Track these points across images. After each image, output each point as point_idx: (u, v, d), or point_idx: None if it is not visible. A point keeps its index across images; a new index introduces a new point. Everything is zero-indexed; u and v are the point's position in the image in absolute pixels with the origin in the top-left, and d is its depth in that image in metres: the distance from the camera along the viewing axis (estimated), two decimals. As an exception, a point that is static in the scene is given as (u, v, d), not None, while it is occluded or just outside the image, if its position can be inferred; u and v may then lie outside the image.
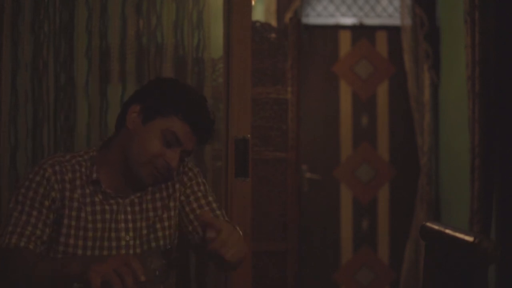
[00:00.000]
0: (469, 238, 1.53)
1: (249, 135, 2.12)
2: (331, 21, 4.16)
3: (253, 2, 2.33)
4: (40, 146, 2.26)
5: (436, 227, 1.77)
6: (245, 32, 2.14)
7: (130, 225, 1.71)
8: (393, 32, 4.16)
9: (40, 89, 2.27)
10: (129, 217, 1.71)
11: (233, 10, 2.14)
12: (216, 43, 2.41)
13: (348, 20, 4.18)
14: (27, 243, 1.56)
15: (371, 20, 4.20)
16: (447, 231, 1.68)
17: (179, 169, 1.79)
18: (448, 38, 3.94)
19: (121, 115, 1.74)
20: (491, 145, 2.73)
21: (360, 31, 4.17)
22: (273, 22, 3.87)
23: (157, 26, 2.37)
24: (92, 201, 1.68)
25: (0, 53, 2.23)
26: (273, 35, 3.56)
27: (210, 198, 1.80)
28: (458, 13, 3.43)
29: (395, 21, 4.16)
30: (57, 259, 1.65)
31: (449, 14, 3.92)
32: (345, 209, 4.11)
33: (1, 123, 2.23)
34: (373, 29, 4.18)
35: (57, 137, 2.29)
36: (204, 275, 2.35)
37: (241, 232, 1.52)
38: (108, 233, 1.68)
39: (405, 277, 3.99)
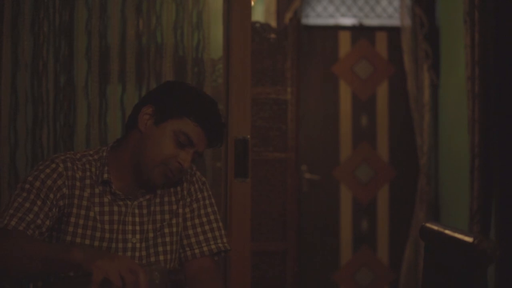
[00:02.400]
0: (469, 239, 1.53)
1: (248, 136, 2.13)
2: (330, 21, 4.16)
3: (252, 3, 2.33)
4: (40, 146, 2.27)
5: (435, 227, 1.77)
6: (244, 33, 2.15)
7: (137, 227, 1.70)
8: (392, 32, 4.16)
9: (40, 89, 2.27)
10: (137, 219, 1.70)
11: (232, 10, 2.15)
12: (215, 43, 2.41)
13: (348, 21, 4.18)
14: (26, 228, 1.54)
15: (371, 21, 4.20)
16: (447, 231, 1.69)
17: (187, 176, 1.79)
18: (447, 38, 3.94)
19: (132, 116, 1.73)
20: (490, 145, 2.73)
21: (360, 32, 4.17)
22: (273, 23, 3.87)
23: (157, 27, 2.37)
24: (100, 202, 1.68)
25: (0, 53, 2.23)
26: (273, 35, 3.56)
27: (212, 217, 1.80)
28: (457, 13, 3.43)
29: (395, 21, 4.16)
30: (56, 243, 1.64)
31: (449, 14, 3.92)
32: (345, 209, 4.11)
33: (1, 123, 2.23)
34: (373, 29, 4.18)
35: (57, 137, 2.29)
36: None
37: None
38: (116, 234, 1.67)
39: (405, 277, 3.99)
